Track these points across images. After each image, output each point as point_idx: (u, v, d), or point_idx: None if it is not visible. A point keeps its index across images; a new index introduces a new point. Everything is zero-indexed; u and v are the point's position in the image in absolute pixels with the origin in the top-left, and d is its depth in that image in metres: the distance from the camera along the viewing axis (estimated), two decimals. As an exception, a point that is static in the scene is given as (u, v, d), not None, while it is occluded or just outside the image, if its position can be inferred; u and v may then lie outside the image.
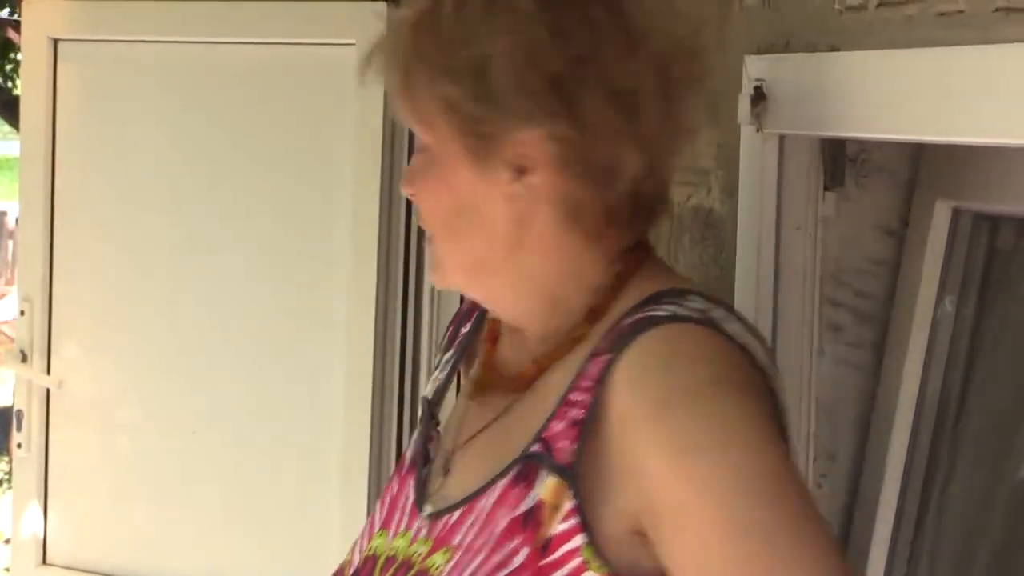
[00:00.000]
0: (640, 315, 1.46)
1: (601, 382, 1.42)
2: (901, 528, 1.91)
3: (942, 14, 1.51)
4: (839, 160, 1.87)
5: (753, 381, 1.46)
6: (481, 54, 1.49)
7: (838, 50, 1.71)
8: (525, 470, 1.45)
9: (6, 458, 10.03)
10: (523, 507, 1.44)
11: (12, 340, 4.90)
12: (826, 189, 1.87)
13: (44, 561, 3.93)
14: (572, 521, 1.39)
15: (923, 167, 1.92)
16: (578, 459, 1.41)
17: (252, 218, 3.50)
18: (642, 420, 1.39)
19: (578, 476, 1.40)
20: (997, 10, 1.40)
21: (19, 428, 3.84)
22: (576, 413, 1.43)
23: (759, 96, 1.84)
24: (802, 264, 1.89)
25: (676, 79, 1.52)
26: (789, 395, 1.67)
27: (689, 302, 1.48)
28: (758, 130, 1.84)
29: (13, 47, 14.17)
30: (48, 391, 3.91)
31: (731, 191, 1.97)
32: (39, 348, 3.98)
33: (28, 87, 4.02)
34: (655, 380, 1.42)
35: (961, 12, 1.47)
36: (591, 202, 1.52)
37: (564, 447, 1.42)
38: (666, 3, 1.55)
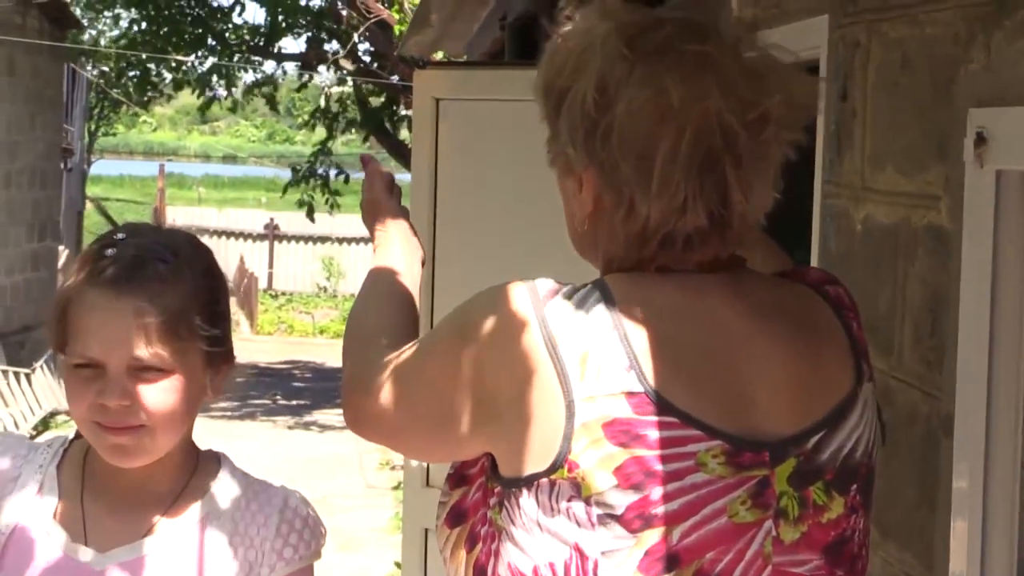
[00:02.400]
0: None
1: None
2: None
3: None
4: None
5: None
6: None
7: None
8: None
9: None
10: None
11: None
12: None
13: (427, 484, 4.12)
14: None
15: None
16: None
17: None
18: None
19: None
20: None
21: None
22: None
23: (980, 140, 1.84)
24: (1017, 274, 1.85)
25: (704, 155, 1.48)
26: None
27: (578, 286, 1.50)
28: (980, 167, 1.85)
29: (397, 103, 15.01)
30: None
31: (957, 214, 1.95)
32: None
33: (418, 135, 4.29)
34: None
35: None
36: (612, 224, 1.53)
37: None
38: (727, 70, 1.50)
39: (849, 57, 2.48)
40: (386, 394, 1.60)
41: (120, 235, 1.90)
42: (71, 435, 1.94)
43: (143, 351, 1.76)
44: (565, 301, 1.45)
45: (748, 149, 1.49)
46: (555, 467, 1.40)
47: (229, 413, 12.59)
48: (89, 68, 18.44)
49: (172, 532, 1.88)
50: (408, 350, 1.62)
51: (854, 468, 1.50)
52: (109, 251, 1.83)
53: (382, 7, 12.86)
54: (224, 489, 1.92)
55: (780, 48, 1.61)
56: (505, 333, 1.45)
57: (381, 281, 1.88)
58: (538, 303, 1.45)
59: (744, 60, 1.53)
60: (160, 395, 1.78)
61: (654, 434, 1.40)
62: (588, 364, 1.41)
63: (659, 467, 1.40)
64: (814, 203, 2.69)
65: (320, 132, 16.70)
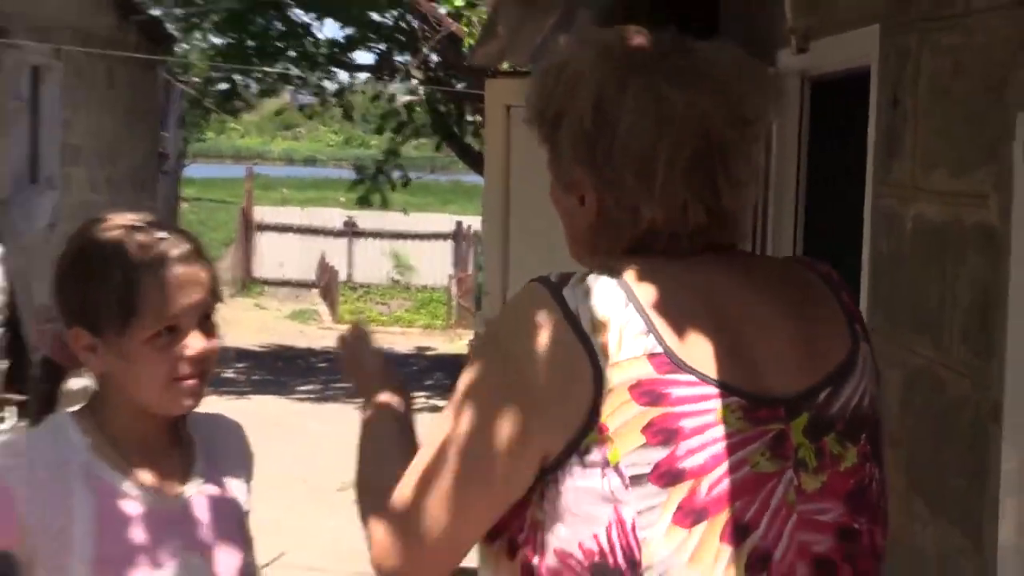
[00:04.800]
0: None
1: None
2: None
3: None
4: None
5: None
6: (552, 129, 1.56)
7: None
8: None
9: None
10: None
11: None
12: None
13: None
14: None
15: None
16: None
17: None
18: None
19: None
20: None
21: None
22: None
23: None
24: None
25: (702, 153, 1.48)
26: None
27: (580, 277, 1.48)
28: None
29: (464, 110, 15.07)
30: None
31: (1006, 213, 1.95)
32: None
33: (490, 138, 4.36)
34: None
35: None
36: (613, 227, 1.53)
37: None
38: (710, 86, 1.50)
39: (900, 65, 2.46)
40: (427, 492, 1.50)
41: (136, 226, 2.01)
42: (67, 411, 2.02)
43: (209, 306, 1.96)
44: (579, 283, 1.45)
45: (735, 148, 1.50)
46: (587, 433, 1.40)
47: (313, 396, 12.66)
48: (182, 80, 18.61)
49: (197, 468, 2.02)
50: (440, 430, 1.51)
51: (862, 418, 1.51)
52: (159, 233, 1.97)
53: (451, 21, 12.89)
54: (200, 426, 2.08)
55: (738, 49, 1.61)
56: (530, 324, 1.44)
57: (378, 438, 1.81)
58: (555, 290, 1.45)
59: (721, 64, 1.53)
60: (215, 341, 1.96)
61: (676, 391, 1.41)
62: (610, 334, 1.41)
63: (683, 423, 1.40)
64: (865, 206, 2.68)
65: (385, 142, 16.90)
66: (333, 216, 24.68)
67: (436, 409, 10.08)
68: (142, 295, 1.90)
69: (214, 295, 1.98)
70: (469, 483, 1.46)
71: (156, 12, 16.03)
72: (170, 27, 16.78)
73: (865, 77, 2.64)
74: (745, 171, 1.52)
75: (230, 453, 2.11)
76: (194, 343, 1.92)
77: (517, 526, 1.48)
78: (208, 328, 1.96)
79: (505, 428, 1.42)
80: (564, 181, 1.58)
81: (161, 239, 1.97)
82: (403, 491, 1.50)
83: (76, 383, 2.09)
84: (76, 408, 2.00)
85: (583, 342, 1.41)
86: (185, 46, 18.85)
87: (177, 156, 17.69)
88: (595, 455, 1.40)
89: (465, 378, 1.49)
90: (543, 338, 1.43)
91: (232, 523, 2.05)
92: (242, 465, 2.12)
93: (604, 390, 1.39)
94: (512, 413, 1.43)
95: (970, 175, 2.13)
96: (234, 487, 2.08)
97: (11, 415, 8.40)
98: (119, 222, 2.00)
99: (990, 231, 2.03)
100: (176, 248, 1.96)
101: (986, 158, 2.06)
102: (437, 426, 1.49)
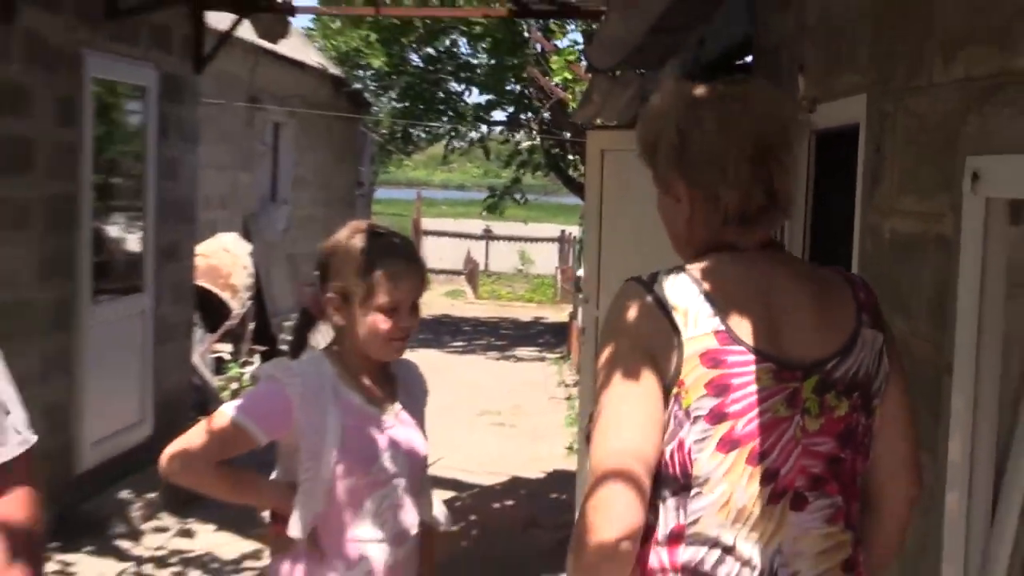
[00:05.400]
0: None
1: None
2: None
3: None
4: (1017, 206, 1.78)
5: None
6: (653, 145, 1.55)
7: None
8: None
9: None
10: None
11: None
12: (1012, 224, 1.79)
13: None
14: None
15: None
16: None
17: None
18: None
19: None
20: None
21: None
22: None
23: (975, 177, 1.82)
24: (998, 268, 1.79)
25: (757, 154, 1.46)
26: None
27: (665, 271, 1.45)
28: (975, 195, 1.81)
29: (567, 152, 14.99)
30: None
31: (957, 227, 1.90)
32: (591, 321, 4.24)
33: (590, 174, 4.27)
34: None
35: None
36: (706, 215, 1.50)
37: None
38: (754, 109, 1.48)
39: (881, 123, 2.42)
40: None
41: (376, 231, 2.07)
42: (319, 349, 2.09)
43: (419, 296, 2.01)
44: (663, 280, 1.44)
45: (779, 145, 1.48)
46: (673, 384, 1.39)
47: (460, 349, 12.64)
48: (373, 131, 18.82)
49: (399, 395, 2.10)
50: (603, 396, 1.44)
51: (856, 383, 1.48)
52: (394, 240, 2.03)
53: (560, 90, 12.83)
54: (399, 368, 2.12)
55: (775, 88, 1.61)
56: (635, 311, 1.43)
57: None
58: (646, 285, 1.44)
59: (761, 91, 1.53)
60: (418, 318, 2.02)
61: (730, 358, 1.40)
62: (688, 316, 1.40)
63: (732, 380, 1.40)
64: (855, 221, 2.63)
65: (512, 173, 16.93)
66: (476, 225, 24.75)
67: (543, 359, 10.12)
68: (377, 281, 1.96)
69: (423, 285, 2.03)
70: (632, 400, 1.39)
71: (358, 85, 16.23)
72: (367, 95, 16.97)
73: (856, 131, 2.61)
74: (788, 160, 1.49)
75: (416, 387, 2.17)
76: (407, 319, 1.99)
77: None
78: (416, 308, 2.01)
79: (638, 370, 1.41)
80: (664, 188, 1.56)
81: (393, 242, 2.02)
82: (598, 423, 1.41)
83: (320, 331, 2.16)
84: (322, 348, 2.07)
85: (668, 319, 1.40)
86: (376, 108, 19.05)
87: (369, 183, 17.87)
88: (675, 400, 1.40)
89: (603, 352, 1.45)
90: (643, 317, 1.42)
91: (419, 432, 2.11)
92: (422, 395, 2.18)
93: (683, 357, 1.39)
94: (638, 361, 1.41)
95: (931, 200, 2.09)
96: (418, 409, 2.14)
97: (257, 360, 8.63)
98: (364, 228, 2.05)
99: (945, 240, 2.00)
100: (402, 250, 2.02)
101: (943, 188, 2.02)
102: (599, 386, 1.43)
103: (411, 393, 2.13)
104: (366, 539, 1.97)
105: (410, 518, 2.03)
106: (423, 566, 2.09)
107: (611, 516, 1.31)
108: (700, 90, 1.53)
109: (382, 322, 1.97)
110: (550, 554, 4.86)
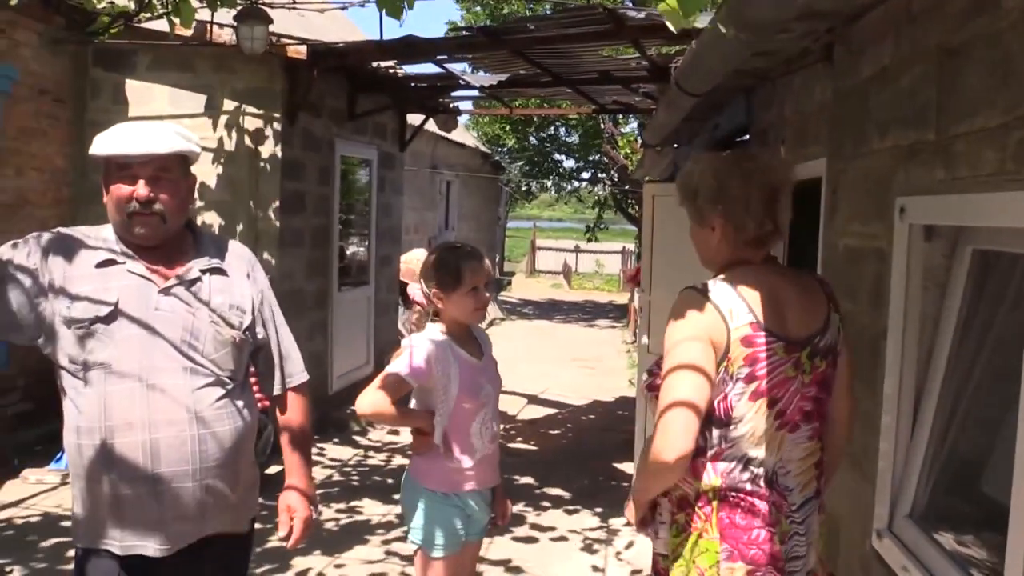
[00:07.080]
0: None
1: None
2: None
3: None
4: (929, 229, 1.66)
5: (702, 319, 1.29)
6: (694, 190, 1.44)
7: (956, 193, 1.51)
8: None
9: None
10: None
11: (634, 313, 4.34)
12: (926, 241, 1.66)
13: (648, 351, 3.57)
14: None
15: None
16: None
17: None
18: None
19: None
20: None
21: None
22: None
23: (902, 211, 1.72)
24: (918, 268, 1.67)
25: (768, 196, 1.39)
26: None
27: (709, 283, 1.35)
28: (902, 222, 1.73)
29: (628, 198, 14.64)
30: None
31: (889, 243, 1.81)
32: (645, 303, 3.85)
33: (646, 214, 3.90)
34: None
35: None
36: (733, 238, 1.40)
37: None
38: (763, 167, 1.41)
39: (836, 176, 2.31)
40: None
41: (455, 246, 1.99)
42: (434, 325, 1.98)
43: (489, 279, 1.92)
44: (712, 286, 1.36)
45: (782, 192, 1.40)
46: (724, 359, 1.33)
47: (560, 320, 12.35)
48: (507, 185, 18.89)
49: (484, 349, 2.00)
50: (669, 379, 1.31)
51: (829, 349, 1.42)
52: (467, 247, 1.96)
53: (624, 159, 12.59)
54: (476, 331, 1.97)
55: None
56: (694, 308, 1.34)
57: None
58: (704, 292, 1.35)
59: (768, 157, 1.50)
60: (490, 296, 1.91)
61: (758, 340, 1.35)
62: (732, 313, 1.34)
63: (759, 354, 1.34)
64: (819, 239, 2.52)
65: (594, 211, 16.67)
66: (570, 243, 24.50)
67: (613, 327, 9.80)
68: (464, 276, 1.93)
69: (490, 273, 1.96)
70: (693, 369, 1.31)
71: (497, 157, 16.35)
72: (503, 163, 17.04)
73: (819, 182, 2.50)
74: (785, 200, 1.41)
75: (487, 343, 2.06)
76: (483, 297, 1.93)
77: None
78: (489, 289, 1.95)
79: (699, 351, 1.32)
80: (699, 221, 1.45)
81: (467, 249, 1.98)
82: (669, 379, 1.30)
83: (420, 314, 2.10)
84: (432, 325, 2.00)
85: (720, 314, 1.35)
86: (509, 171, 19.15)
87: (504, 218, 17.95)
88: (724, 369, 1.35)
89: (673, 334, 1.34)
90: (702, 313, 1.35)
91: (497, 370, 2.04)
92: (490, 348, 2.05)
93: (731, 340, 1.34)
94: (700, 345, 1.32)
95: (871, 225, 1.99)
96: (491, 355, 2.05)
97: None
98: (455, 245, 2.02)
99: (881, 252, 1.90)
100: (474, 253, 1.98)
101: (879, 218, 1.92)
102: (671, 357, 1.32)
103: (485, 346, 2.06)
104: (475, 439, 1.94)
105: (496, 424, 1.99)
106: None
107: (669, 440, 1.28)
108: (723, 156, 1.46)
109: (470, 299, 1.94)
110: (618, 448, 4.88)
